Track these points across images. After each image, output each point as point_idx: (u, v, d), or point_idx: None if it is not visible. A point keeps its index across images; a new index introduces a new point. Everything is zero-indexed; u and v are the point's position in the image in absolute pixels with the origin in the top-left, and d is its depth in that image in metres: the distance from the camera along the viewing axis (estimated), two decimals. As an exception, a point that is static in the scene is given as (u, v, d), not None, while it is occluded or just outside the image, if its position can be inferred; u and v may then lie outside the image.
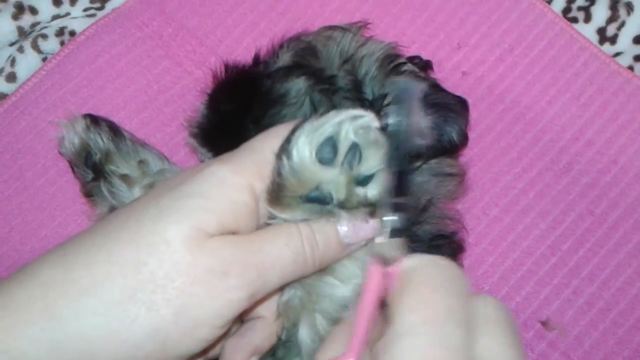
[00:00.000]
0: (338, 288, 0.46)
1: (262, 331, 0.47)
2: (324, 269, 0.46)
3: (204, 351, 0.45)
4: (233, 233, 0.43)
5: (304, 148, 0.40)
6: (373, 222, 0.44)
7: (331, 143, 0.41)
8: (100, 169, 0.67)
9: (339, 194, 0.42)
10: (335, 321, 0.46)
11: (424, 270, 0.35)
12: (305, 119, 0.43)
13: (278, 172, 0.42)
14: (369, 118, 0.41)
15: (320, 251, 0.43)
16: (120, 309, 0.39)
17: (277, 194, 0.42)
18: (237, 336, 0.47)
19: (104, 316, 0.39)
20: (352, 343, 0.37)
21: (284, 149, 0.42)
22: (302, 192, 0.42)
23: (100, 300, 0.40)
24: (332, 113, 0.41)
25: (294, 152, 0.41)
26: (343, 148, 0.40)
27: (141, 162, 0.67)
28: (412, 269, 0.35)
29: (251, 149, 0.45)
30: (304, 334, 0.46)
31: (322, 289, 0.46)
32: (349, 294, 0.46)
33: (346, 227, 0.44)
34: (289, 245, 0.43)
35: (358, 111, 0.41)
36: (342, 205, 0.42)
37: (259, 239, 0.43)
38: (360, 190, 0.42)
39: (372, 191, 0.43)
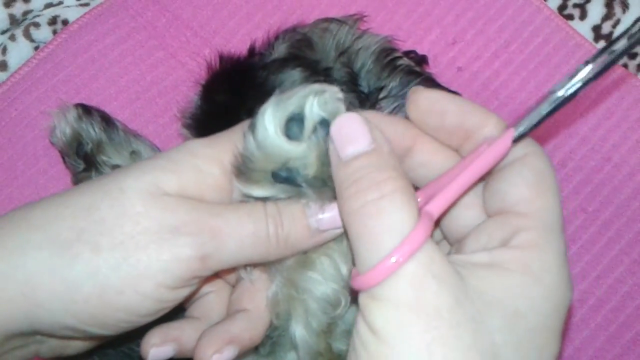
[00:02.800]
0: (319, 284, 0.45)
1: (243, 322, 0.45)
2: (304, 262, 0.45)
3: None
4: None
5: (269, 121, 0.39)
6: None
7: (298, 117, 0.39)
8: (92, 159, 0.66)
9: (307, 169, 0.40)
10: (327, 314, 0.45)
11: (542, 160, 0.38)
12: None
13: (244, 146, 0.41)
14: (334, 91, 0.40)
15: (285, 231, 0.41)
16: (64, 246, 0.39)
17: (244, 167, 0.41)
18: (215, 324, 0.46)
19: (47, 250, 0.39)
20: (437, 199, 0.37)
21: (251, 123, 0.41)
22: (270, 168, 0.40)
23: (47, 236, 0.39)
24: (298, 87, 0.40)
25: (259, 125, 0.39)
26: (310, 122, 0.39)
27: (133, 153, 0.67)
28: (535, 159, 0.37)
29: (228, 130, 0.44)
30: (298, 328, 0.45)
31: (304, 282, 0.45)
32: (329, 292, 0.45)
33: (314, 208, 0.42)
34: (250, 216, 0.41)
35: (323, 85, 0.40)
36: (312, 183, 0.41)
37: (219, 206, 0.41)
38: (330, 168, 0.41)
39: None
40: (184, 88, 0.74)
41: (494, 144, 0.38)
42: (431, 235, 0.35)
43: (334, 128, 0.38)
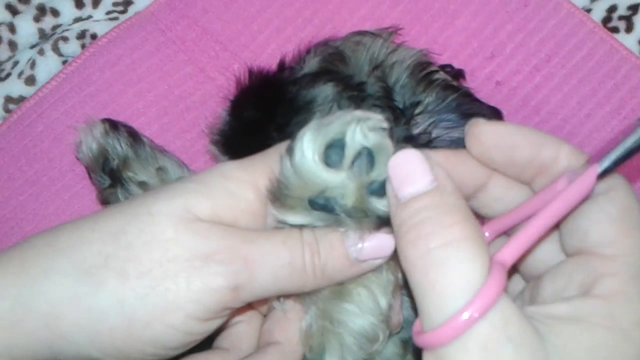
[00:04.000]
0: (355, 317, 0.42)
1: (274, 355, 0.43)
2: (340, 293, 0.42)
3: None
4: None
5: (308, 146, 0.37)
6: (384, 237, 0.39)
7: (338, 144, 0.37)
8: (118, 175, 0.65)
9: (346, 200, 0.38)
10: (364, 349, 0.42)
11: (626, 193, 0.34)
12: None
13: (281, 170, 0.39)
14: (378, 119, 0.38)
15: (322, 261, 0.39)
16: (89, 273, 0.37)
17: (280, 193, 0.39)
18: (245, 358, 0.44)
19: (71, 277, 0.37)
20: (511, 245, 0.33)
21: (288, 147, 0.39)
22: (307, 195, 0.38)
23: (72, 261, 0.37)
24: (339, 112, 0.38)
25: (297, 150, 0.37)
26: (350, 150, 0.37)
27: (160, 169, 0.65)
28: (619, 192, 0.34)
29: (265, 152, 0.42)
30: None
31: (340, 314, 0.42)
32: (366, 326, 0.42)
33: (353, 237, 0.39)
34: (286, 244, 0.39)
35: (366, 112, 0.38)
36: (350, 214, 0.38)
37: (253, 232, 0.39)
38: (374, 201, 0.38)
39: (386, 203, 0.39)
40: (213, 103, 0.73)
41: (575, 182, 0.33)
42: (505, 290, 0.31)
43: (391, 166, 0.36)
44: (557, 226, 0.37)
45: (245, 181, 0.40)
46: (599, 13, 0.76)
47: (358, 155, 0.37)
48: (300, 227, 0.40)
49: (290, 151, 0.38)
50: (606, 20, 0.76)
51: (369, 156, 0.37)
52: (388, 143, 0.37)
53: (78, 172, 0.71)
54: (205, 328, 0.39)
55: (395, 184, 0.35)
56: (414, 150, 0.36)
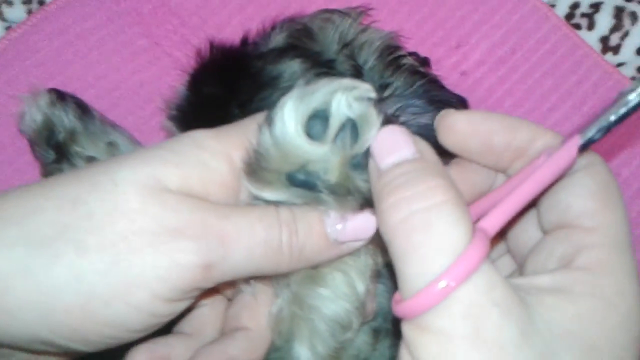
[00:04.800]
0: (329, 303, 0.39)
1: (241, 341, 0.40)
2: (314, 277, 0.40)
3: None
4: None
5: (289, 116, 0.34)
6: (366, 217, 0.37)
7: (322, 115, 0.35)
8: (64, 149, 0.61)
9: (329, 175, 0.35)
10: (336, 337, 0.40)
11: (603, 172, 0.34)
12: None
13: (259, 141, 0.36)
14: (366, 89, 0.35)
15: (300, 241, 0.36)
16: (44, 244, 0.33)
17: (257, 165, 0.36)
18: (210, 343, 0.41)
19: (21, 249, 0.33)
20: (493, 214, 0.31)
21: (267, 117, 0.36)
22: (286, 169, 0.36)
23: (24, 232, 0.33)
24: (324, 81, 0.35)
25: (277, 120, 0.34)
26: (335, 122, 0.34)
27: (110, 145, 0.61)
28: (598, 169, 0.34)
29: (240, 122, 0.39)
30: (300, 350, 0.40)
31: (313, 299, 0.40)
32: (340, 312, 0.40)
33: (333, 217, 0.37)
34: (262, 221, 0.36)
35: (354, 80, 0.35)
36: (333, 191, 0.36)
37: (227, 207, 0.36)
38: (357, 176, 0.36)
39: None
40: (169, 79, 0.69)
41: (557, 153, 0.33)
42: (488, 255, 0.30)
43: (374, 142, 0.34)
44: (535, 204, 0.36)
45: (219, 152, 0.36)
46: (562, 9, 0.77)
47: (342, 126, 0.35)
48: (277, 204, 0.37)
49: (269, 121, 0.35)
50: (569, 17, 0.76)
51: (353, 128, 0.34)
52: (374, 114, 0.35)
53: (20, 145, 0.66)
54: (171, 309, 0.35)
55: (378, 156, 0.33)
56: (398, 126, 0.34)
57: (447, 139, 0.37)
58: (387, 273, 0.48)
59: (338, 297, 0.39)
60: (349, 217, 0.37)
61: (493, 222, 0.32)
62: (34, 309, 0.33)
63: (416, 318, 0.29)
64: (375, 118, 0.35)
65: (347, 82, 0.35)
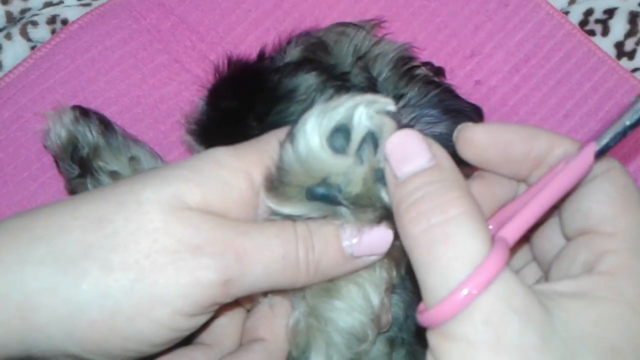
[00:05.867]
0: (344, 315, 0.40)
1: (259, 353, 0.41)
2: (330, 290, 0.40)
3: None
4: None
5: (313, 131, 0.35)
6: (382, 230, 0.38)
7: (344, 129, 0.35)
8: (88, 164, 0.62)
9: (351, 187, 0.36)
10: (351, 349, 0.41)
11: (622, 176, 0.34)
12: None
13: (280, 157, 0.37)
14: (386, 102, 0.36)
15: (317, 256, 0.37)
16: (70, 262, 0.34)
17: (278, 181, 0.37)
18: (230, 354, 0.42)
19: (49, 267, 0.34)
20: (513, 223, 0.32)
21: (290, 133, 0.37)
22: (307, 183, 0.36)
23: (50, 249, 0.34)
24: (345, 96, 0.36)
25: (300, 136, 0.35)
26: (357, 135, 0.35)
27: (132, 159, 0.63)
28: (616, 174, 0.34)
29: (258, 140, 0.40)
30: None
31: (329, 312, 0.40)
32: (356, 325, 0.40)
33: (350, 231, 0.38)
34: (280, 237, 0.37)
35: (375, 95, 0.36)
36: (353, 202, 0.37)
37: (245, 224, 0.37)
38: (381, 189, 0.37)
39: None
40: (188, 94, 0.71)
41: (574, 161, 0.33)
42: (508, 264, 0.31)
43: (388, 147, 0.35)
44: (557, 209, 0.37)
45: (238, 170, 0.37)
46: (576, 16, 0.77)
47: (364, 139, 0.35)
48: (293, 219, 0.38)
49: (291, 137, 0.36)
50: (583, 24, 0.77)
51: (373, 140, 0.35)
52: (393, 126, 0.35)
53: (45, 161, 0.68)
54: (192, 324, 0.37)
55: (394, 163, 0.34)
56: (411, 129, 0.35)
57: (467, 152, 0.38)
58: (401, 284, 0.49)
59: (353, 309, 0.40)
60: (366, 231, 0.38)
61: (512, 231, 0.32)
62: (61, 324, 0.34)
63: (440, 327, 0.30)
64: (394, 130, 0.35)
65: (369, 97, 0.36)
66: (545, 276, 0.38)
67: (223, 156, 0.38)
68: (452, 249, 0.30)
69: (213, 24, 0.75)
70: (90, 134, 0.62)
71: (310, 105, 0.54)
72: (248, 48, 0.72)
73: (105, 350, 0.35)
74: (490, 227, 0.36)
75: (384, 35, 0.64)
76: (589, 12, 0.77)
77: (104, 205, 0.36)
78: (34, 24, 0.74)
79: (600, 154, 0.34)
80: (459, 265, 0.30)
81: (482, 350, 0.29)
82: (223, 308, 0.43)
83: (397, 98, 0.58)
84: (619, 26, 0.76)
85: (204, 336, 0.44)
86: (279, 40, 0.64)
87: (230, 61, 0.62)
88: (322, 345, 0.40)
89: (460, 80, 0.73)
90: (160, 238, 0.35)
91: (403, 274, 0.42)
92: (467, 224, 0.31)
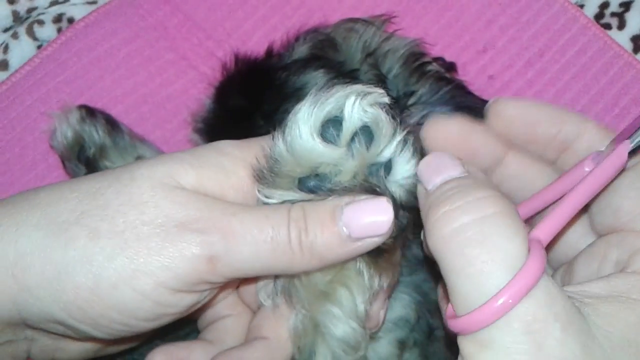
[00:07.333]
0: (339, 321, 0.39)
1: (259, 350, 0.40)
2: (325, 294, 0.40)
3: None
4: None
5: (303, 121, 0.35)
6: (381, 200, 0.35)
7: (336, 120, 0.35)
8: (94, 164, 0.62)
9: (340, 177, 0.36)
10: (347, 354, 0.40)
11: None
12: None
13: (272, 147, 0.37)
14: (379, 94, 0.36)
15: (310, 237, 0.36)
16: (61, 227, 0.36)
17: (269, 171, 0.37)
18: (230, 349, 0.41)
19: (43, 230, 0.36)
20: (546, 223, 0.31)
21: (282, 124, 0.37)
22: (298, 173, 0.36)
23: (45, 215, 0.36)
24: (337, 87, 0.36)
25: (291, 125, 0.36)
26: (349, 126, 0.35)
27: (139, 159, 0.62)
28: None
29: (264, 137, 0.40)
30: None
31: (324, 317, 0.40)
32: (349, 332, 0.39)
33: (346, 207, 0.36)
34: (269, 218, 0.36)
35: (366, 86, 0.36)
36: (342, 193, 0.36)
37: (237, 205, 0.37)
38: (372, 180, 0.36)
39: (397, 178, 0.36)
40: (195, 92, 0.70)
41: (608, 159, 0.32)
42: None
43: (420, 167, 0.35)
44: (585, 209, 0.35)
45: (238, 158, 0.38)
46: (591, 9, 0.75)
47: (357, 133, 0.35)
48: (289, 202, 0.37)
49: (283, 127, 0.36)
50: (599, 17, 0.75)
51: (368, 133, 0.35)
52: (387, 119, 0.35)
53: (51, 161, 0.68)
54: (178, 301, 0.37)
55: (425, 178, 0.34)
56: (444, 152, 0.35)
57: (496, 124, 0.39)
58: (412, 285, 0.48)
59: (345, 315, 0.39)
60: (360, 205, 0.36)
61: (546, 232, 0.31)
62: (48, 286, 0.35)
63: (474, 334, 0.29)
64: (388, 122, 0.35)
65: (360, 87, 0.35)
66: (562, 275, 0.37)
67: (225, 146, 0.39)
68: (489, 251, 0.29)
69: (220, 20, 0.74)
70: (96, 134, 0.62)
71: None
72: (255, 45, 0.71)
73: (90, 317, 0.36)
74: None
75: (394, 30, 0.63)
76: (604, 5, 0.75)
77: (101, 180, 0.38)
78: (40, 22, 0.73)
79: (632, 152, 0.33)
80: (496, 269, 0.28)
81: None
82: (229, 307, 0.44)
83: (408, 95, 0.57)
84: (635, 19, 0.74)
85: (207, 333, 0.44)
86: (286, 37, 0.63)
87: (237, 59, 0.61)
88: (326, 351, 0.39)
89: (473, 76, 0.71)
90: (148, 211, 0.36)
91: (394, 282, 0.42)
92: (503, 225, 0.29)
